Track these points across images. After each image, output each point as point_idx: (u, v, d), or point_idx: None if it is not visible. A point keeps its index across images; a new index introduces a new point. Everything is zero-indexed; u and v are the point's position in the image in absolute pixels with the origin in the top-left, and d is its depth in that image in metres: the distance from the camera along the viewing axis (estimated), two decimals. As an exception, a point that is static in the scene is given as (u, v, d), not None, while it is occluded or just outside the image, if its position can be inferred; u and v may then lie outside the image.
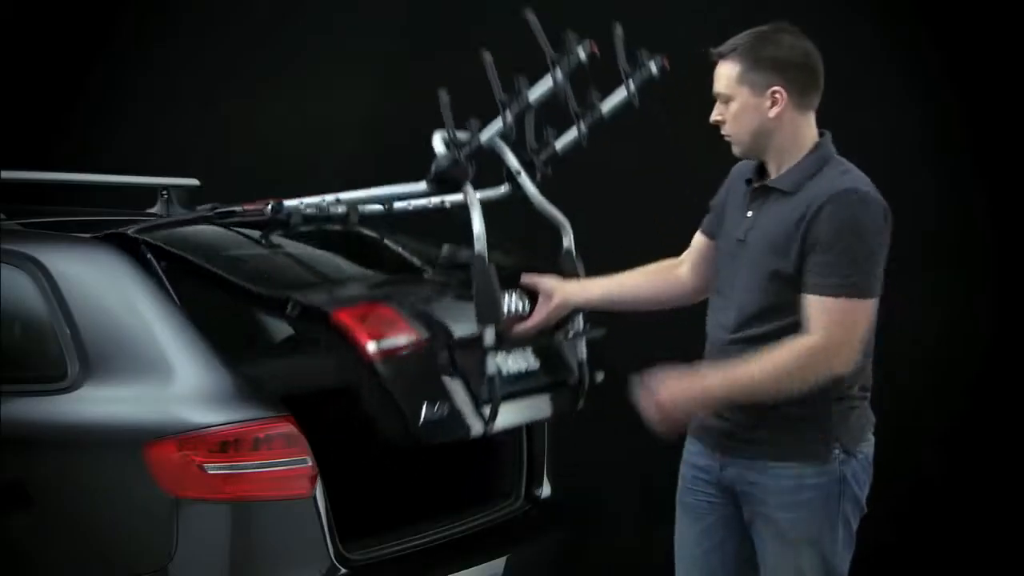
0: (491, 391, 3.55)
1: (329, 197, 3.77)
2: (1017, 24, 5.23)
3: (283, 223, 3.78)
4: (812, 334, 3.15)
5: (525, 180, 3.80)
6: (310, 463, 3.53)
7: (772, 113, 3.26)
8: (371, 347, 3.41)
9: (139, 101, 6.35)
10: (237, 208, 3.87)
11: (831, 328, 3.15)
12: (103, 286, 3.69)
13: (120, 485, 3.55)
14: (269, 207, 3.79)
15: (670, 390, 3.23)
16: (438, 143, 3.62)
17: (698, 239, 3.56)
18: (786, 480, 3.27)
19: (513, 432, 4.23)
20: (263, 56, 6.16)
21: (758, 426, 3.29)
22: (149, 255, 3.67)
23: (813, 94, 3.30)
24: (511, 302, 3.62)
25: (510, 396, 3.66)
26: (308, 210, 3.77)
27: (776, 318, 3.22)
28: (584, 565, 5.13)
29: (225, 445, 3.45)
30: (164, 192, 4.50)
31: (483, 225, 3.58)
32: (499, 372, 3.57)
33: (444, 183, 3.64)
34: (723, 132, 3.34)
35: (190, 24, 6.29)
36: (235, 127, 6.13)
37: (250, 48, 6.19)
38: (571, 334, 3.84)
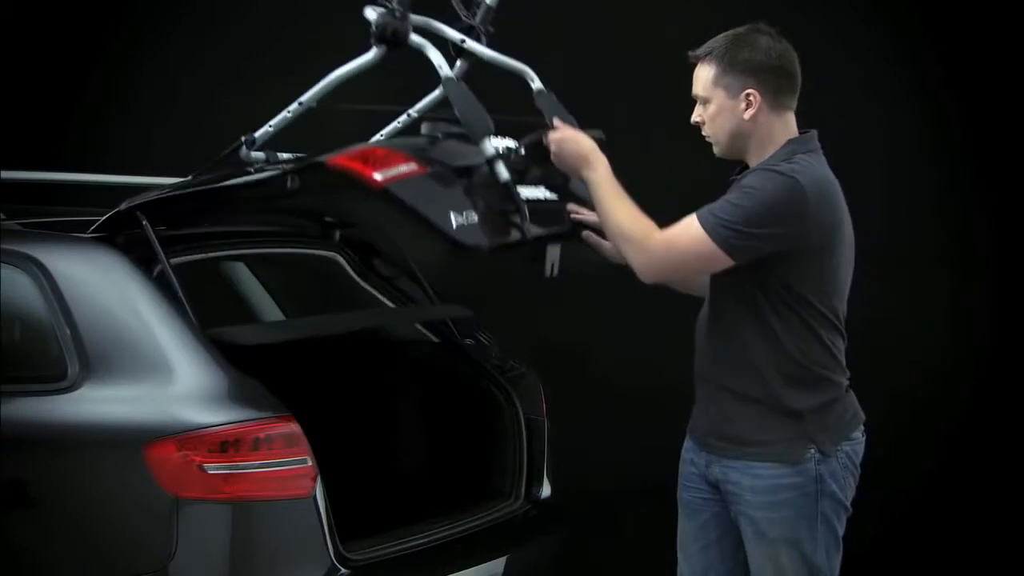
0: (511, 194, 3.43)
1: (292, 106, 3.82)
2: (1016, 24, 5.23)
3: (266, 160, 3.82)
4: (665, 234, 3.24)
5: (472, 44, 3.73)
6: (310, 463, 3.53)
7: (747, 115, 3.30)
8: (377, 176, 3.33)
9: (139, 101, 6.35)
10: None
11: (675, 240, 3.24)
12: (103, 286, 3.69)
13: (120, 485, 3.55)
14: (243, 145, 3.84)
15: (576, 135, 3.40)
16: (369, 12, 3.60)
17: None
18: (764, 480, 3.31)
19: (513, 432, 4.24)
20: (263, 56, 6.15)
21: (735, 422, 3.33)
22: (145, 221, 3.68)
23: (788, 95, 3.34)
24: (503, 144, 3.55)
25: (538, 214, 3.52)
26: (285, 155, 3.83)
27: (738, 314, 3.29)
28: (584, 565, 5.13)
29: (225, 445, 3.45)
30: (164, 192, 4.50)
31: (440, 55, 3.56)
32: (513, 180, 3.46)
33: (388, 42, 3.61)
34: (703, 133, 3.39)
35: (190, 24, 6.28)
36: (235, 127, 6.12)
37: (250, 48, 6.18)
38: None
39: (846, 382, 3.39)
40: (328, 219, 4.47)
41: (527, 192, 3.53)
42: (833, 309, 3.33)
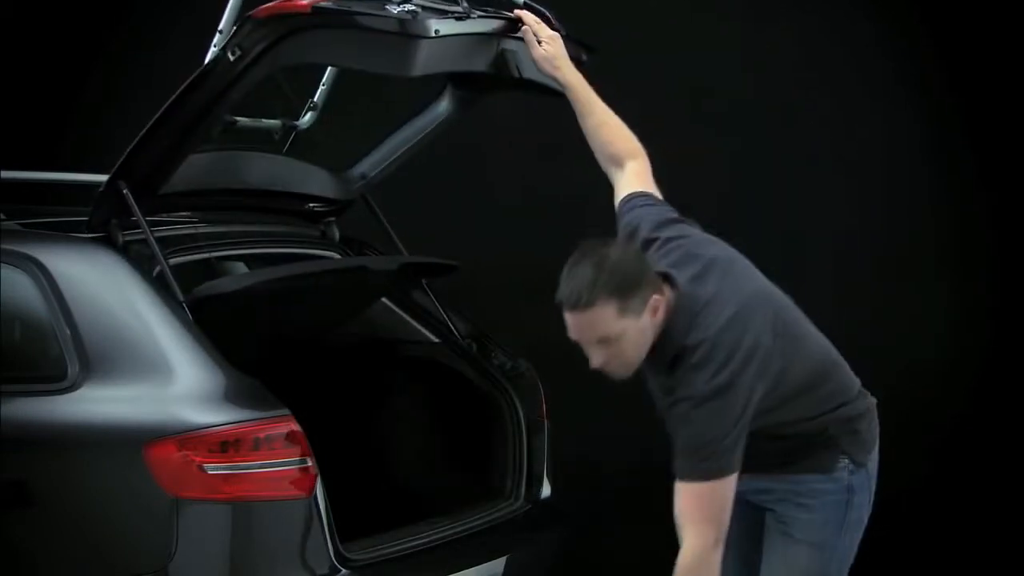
0: None
1: (215, 39, 3.78)
2: (1017, 23, 5.23)
3: None
4: (685, 539, 3.10)
5: None
6: (310, 463, 3.53)
7: (658, 317, 3.14)
8: (303, 1, 3.41)
9: (139, 101, 6.33)
10: None
11: (698, 514, 3.09)
12: (103, 286, 3.69)
13: (120, 485, 3.55)
14: None
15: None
16: None
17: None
18: (798, 484, 3.33)
19: (513, 432, 4.24)
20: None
21: (770, 453, 3.30)
22: (126, 190, 3.69)
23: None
24: None
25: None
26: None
27: None
28: (584, 565, 5.13)
29: (225, 445, 3.45)
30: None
31: None
32: None
33: None
34: (609, 371, 3.20)
35: (190, 24, 6.27)
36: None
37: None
38: None
39: (871, 398, 3.40)
40: (316, 207, 4.48)
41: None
42: (812, 359, 3.28)
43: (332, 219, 4.54)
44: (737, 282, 3.22)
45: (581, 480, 4.84)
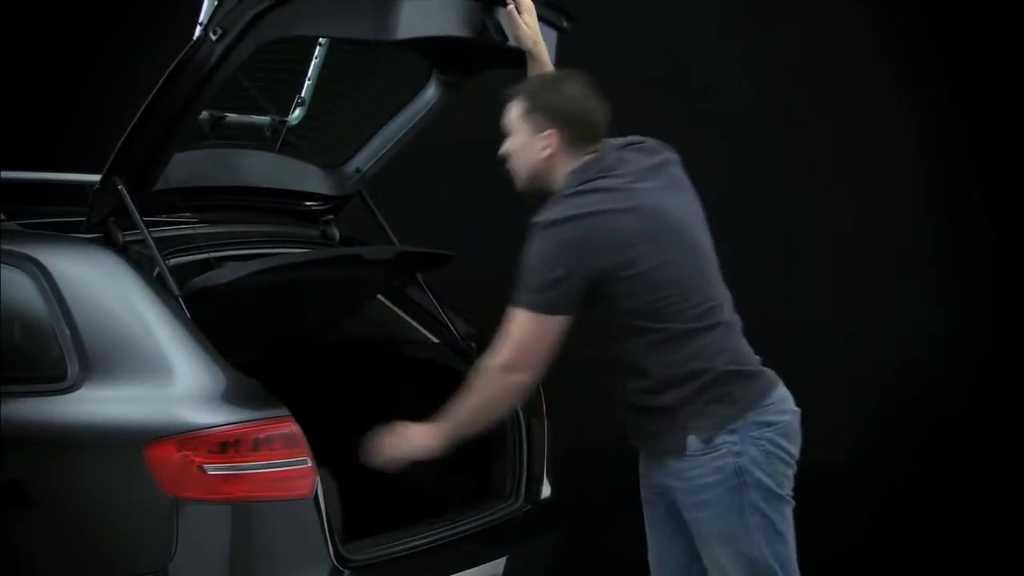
0: None
1: (197, 32, 3.76)
2: (1017, 23, 5.23)
3: None
4: (496, 350, 3.41)
5: None
6: (310, 463, 3.53)
7: (544, 153, 3.49)
8: None
9: (139, 101, 6.34)
10: None
11: (512, 337, 3.38)
12: (103, 286, 3.69)
13: (120, 485, 3.55)
14: None
15: (389, 441, 3.52)
16: None
17: None
18: (689, 481, 3.40)
19: (513, 432, 4.24)
20: (262, 55, 6.14)
21: (636, 427, 3.49)
22: (121, 186, 3.68)
23: (581, 143, 3.49)
24: None
25: None
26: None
27: (609, 340, 3.47)
28: (584, 565, 5.13)
29: (225, 446, 3.45)
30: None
31: None
32: None
33: None
34: (508, 167, 3.56)
35: (190, 24, 6.28)
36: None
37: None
38: None
39: (730, 367, 3.40)
40: (312, 205, 4.48)
41: None
42: (678, 311, 3.38)
43: (331, 217, 4.54)
44: (661, 195, 3.45)
45: (581, 480, 4.84)
